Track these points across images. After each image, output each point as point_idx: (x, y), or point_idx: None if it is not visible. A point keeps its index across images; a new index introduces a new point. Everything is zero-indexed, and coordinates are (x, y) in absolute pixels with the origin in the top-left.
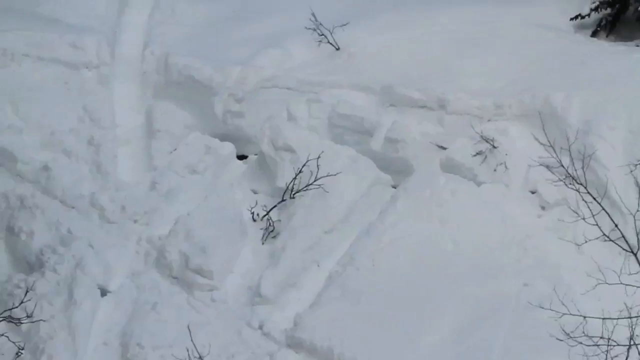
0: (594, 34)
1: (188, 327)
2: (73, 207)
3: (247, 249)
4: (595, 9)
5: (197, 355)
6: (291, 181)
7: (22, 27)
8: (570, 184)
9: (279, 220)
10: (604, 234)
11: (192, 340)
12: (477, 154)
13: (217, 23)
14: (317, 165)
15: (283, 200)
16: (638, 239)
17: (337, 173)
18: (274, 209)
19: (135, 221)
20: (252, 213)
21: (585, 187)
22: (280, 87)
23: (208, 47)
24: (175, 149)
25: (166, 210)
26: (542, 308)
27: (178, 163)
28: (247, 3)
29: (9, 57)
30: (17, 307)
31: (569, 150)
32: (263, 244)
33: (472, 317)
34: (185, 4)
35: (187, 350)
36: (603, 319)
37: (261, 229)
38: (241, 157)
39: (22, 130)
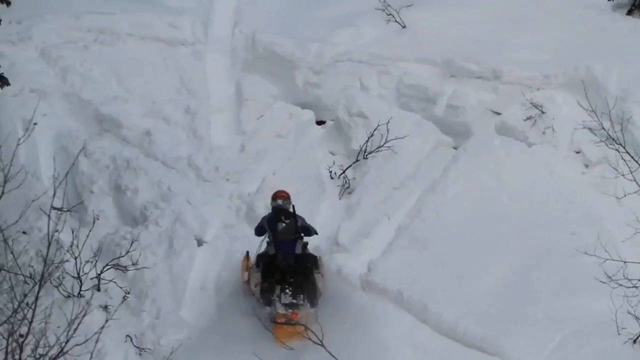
0: (629, 13)
1: None
2: (172, 168)
3: (326, 204)
4: None
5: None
6: (364, 143)
7: (126, 10)
8: (611, 144)
9: (354, 178)
10: None
11: None
12: (528, 118)
13: (297, 6)
14: (387, 129)
15: (357, 161)
16: None
17: (405, 136)
18: (350, 168)
19: (227, 180)
20: (330, 172)
21: (624, 147)
22: (353, 61)
23: (290, 27)
24: (262, 116)
25: (255, 170)
26: (588, 254)
27: (264, 128)
28: None
29: (115, 36)
30: (124, 256)
31: (609, 115)
32: (340, 199)
33: (525, 263)
34: None
35: None
36: None
37: (338, 185)
38: (320, 123)
39: (127, 100)
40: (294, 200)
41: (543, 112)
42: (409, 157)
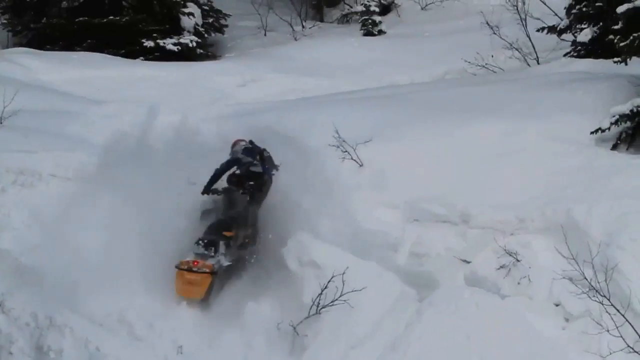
0: (614, 147)
1: None
2: (101, 325)
3: None
4: (615, 123)
5: None
6: (317, 297)
7: (50, 148)
8: (594, 296)
9: (306, 335)
10: (629, 346)
11: None
12: (501, 267)
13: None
14: (343, 281)
15: (308, 316)
16: None
17: (362, 288)
18: (301, 324)
19: (160, 336)
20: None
21: (609, 299)
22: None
23: None
24: None
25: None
26: None
27: None
28: (272, 121)
29: (38, 176)
30: None
31: (592, 263)
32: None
33: None
34: (210, 124)
35: None
36: None
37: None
38: None
39: (50, 250)
40: None
41: (518, 260)
42: (367, 312)
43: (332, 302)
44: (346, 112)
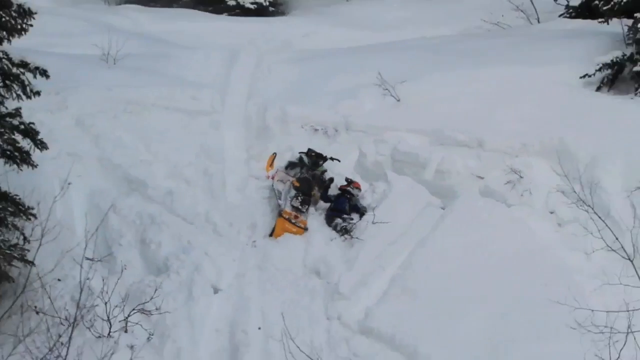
0: (598, 89)
1: (282, 314)
2: (192, 223)
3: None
4: (599, 70)
5: (288, 334)
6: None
7: (152, 84)
8: (581, 206)
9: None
10: (608, 245)
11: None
12: (508, 182)
13: (305, 80)
14: (383, 190)
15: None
16: (634, 248)
17: (398, 197)
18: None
19: (239, 233)
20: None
21: (593, 209)
22: (354, 130)
23: (298, 98)
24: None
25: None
26: (559, 303)
27: None
28: (329, 65)
29: (142, 106)
30: (148, 301)
31: (580, 180)
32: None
33: (503, 310)
34: (279, 65)
35: (282, 332)
36: (607, 312)
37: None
38: None
39: (152, 163)
40: None
41: (521, 177)
42: (402, 215)
43: (377, 205)
44: (387, 58)
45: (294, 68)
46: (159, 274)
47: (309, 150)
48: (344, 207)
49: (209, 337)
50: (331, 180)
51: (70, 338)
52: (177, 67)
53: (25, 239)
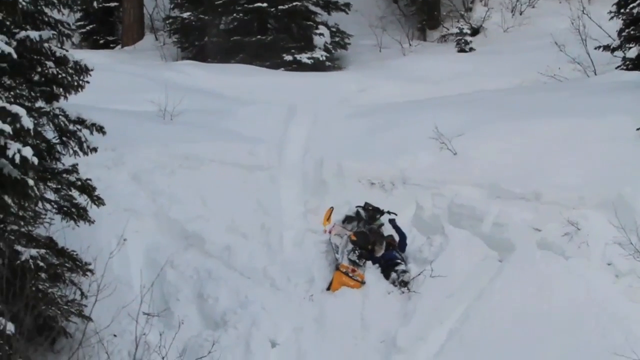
0: None
1: None
2: (249, 278)
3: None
4: None
5: None
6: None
7: (209, 139)
8: (638, 257)
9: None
10: None
11: None
12: (565, 234)
13: (361, 135)
14: (440, 243)
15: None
16: None
17: (456, 250)
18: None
19: (296, 286)
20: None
21: None
22: (410, 183)
23: (354, 152)
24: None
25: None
26: (617, 354)
27: None
28: (385, 119)
29: (199, 161)
30: (205, 356)
31: (637, 232)
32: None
33: None
34: (336, 120)
35: None
36: None
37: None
38: None
39: (209, 219)
40: None
41: (578, 229)
42: (459, 268)
43: (432, 260)
44: (443, 111)
45: (351, 123)
46: (216, 328)
47: (366, 204)
48: (393, 256)
49: None
50: (390, 237)
51: None
52: (234, 122)
53: (82, 294)
